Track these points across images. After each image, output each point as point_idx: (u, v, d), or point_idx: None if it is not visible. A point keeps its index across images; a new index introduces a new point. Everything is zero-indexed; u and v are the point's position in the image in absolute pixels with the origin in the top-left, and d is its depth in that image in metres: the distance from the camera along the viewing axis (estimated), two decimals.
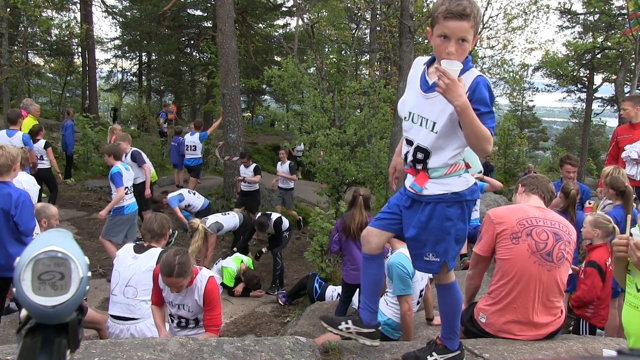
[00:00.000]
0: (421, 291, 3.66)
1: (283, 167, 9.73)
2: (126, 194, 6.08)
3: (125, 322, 3.52)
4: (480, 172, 2.35)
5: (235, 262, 6.47)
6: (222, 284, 6.27)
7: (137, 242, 3.90)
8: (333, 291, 5.72)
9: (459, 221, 2.20)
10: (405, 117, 2.22)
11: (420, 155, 2.18)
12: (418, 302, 3.70)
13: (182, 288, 3.22)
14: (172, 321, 3.45)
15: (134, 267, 3.55)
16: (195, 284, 3.23)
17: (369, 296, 2.47)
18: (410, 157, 2.21)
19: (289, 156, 11.59)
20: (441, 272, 2.28)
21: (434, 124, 2.08)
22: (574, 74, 21.56)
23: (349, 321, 2.47)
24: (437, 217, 2.18)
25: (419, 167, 2.19)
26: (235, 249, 7.35)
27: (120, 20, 23.29)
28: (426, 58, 2.24)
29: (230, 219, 7.08)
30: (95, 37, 21.10)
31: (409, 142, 2.21)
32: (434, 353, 2.36)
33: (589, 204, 4.83)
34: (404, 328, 3.45)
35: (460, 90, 1.90)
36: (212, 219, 6.83)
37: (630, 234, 1.62)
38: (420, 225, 2.21)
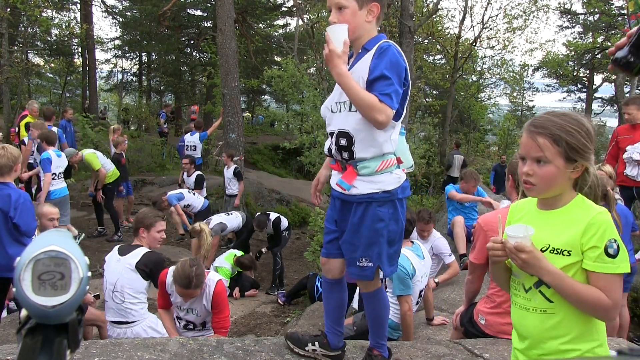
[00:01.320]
0: (421, 291, 3.66)
1: (228, 172, 8.66)
2: (54, 179, 6.21)
3: (122, 326, 3.50)
4: (412, 167, 2.18)
5: (228, 260, 6.46)
6: None
7: (122, 244, 3.82)
8: None
9: (391, 222, 2.05)
10: (326, 116, 2.13)
11: (343, 141, 2.01)
12: (417, 302, 3.70)
13: (195, 297, 3.23)
14: (179, 324, 3.45)
15: (118, 271, 3.44)
16: (204, 288, 3.24)
17: (334, 319, 2.36)
18: (333, 147, 2.06)
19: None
20: (374, 279, 2.14)
21: (351, 103, 1.95)
22: (574, 74, 21.57)
23: (316, 343, 2.39)
24: (369, 218, 2.03)
25: (345, 155, 2.02)
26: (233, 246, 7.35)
27: (120, 20, 23.30)
28: None
29: (234, 219, 7.07)
30: (95, 37, 21.10)
31: (331, 134, 2.07)
32: None
33: None
34: (404, 328, 3.45)
35: (336, 59, 1.85)
36: (215, 219, 6.82)
37: (508, 235, 1.47)
38: (352, 228, 2.07)
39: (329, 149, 2.11)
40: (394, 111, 1.89)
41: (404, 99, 2.00)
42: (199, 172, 8.47)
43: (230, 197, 8.53)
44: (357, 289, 5.36)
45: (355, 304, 5.20)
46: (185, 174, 8.50)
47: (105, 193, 7.59)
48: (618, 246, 1.40)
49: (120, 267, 3.42)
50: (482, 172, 15.15)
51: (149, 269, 3.40)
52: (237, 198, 8.36)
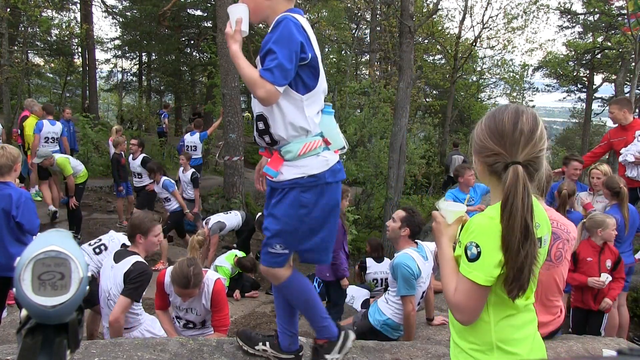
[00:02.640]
0: (423, 292, 3.65)
1: (185, 176, 8.07)
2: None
3: None
4: (343, 148, 2.09)
5: (229, 259, 6.46)
6: None
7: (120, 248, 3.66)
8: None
9: (315, 209, 1.95)
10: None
11: (261, 125, 1.96)
12: (419, 303, 3.70)
13: (194, 296, 3.22)
14: (179, 323, 3.44)
15: (111, 279, 3.34)
16: (202, 287, 3.23)
17: (286, 319, 2.26)
18: (255, 133, 2.01)
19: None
20: (284, 269, 2.07)
21: None
22: (574, 74, 21.56)
23: (267, 343, 2.30)
24: (292, 204, 1.94)
25: (267, 140, 1.97)
26: (234, 245, 7.34)
27: (120, 20, 23.28)
28: None
29: (233, 218, 7.06)
30: (95, 37, 21.09)
31: (253, 119, 2.04)
32: (326, 356, 2.17)
33: (586, 199, 4.85)
34: (407, 328, 3.44)
35: (229, 39, 1.88)
36: (214, 218, 6.81)
37: (439, 205, 1.54)
38: (275, 212, 1.98)
39: (254, 136, 2.06)
40: (278, 86, 1.80)
41: (313, 72, 1.92)
42: (194, 171, 8.34)
43: (187, 201, 7.77)
44: (352, 287, 5.38)
45: (355, 304, 5.20)
46: (181, 170, 8.43)
47: (75, 192, 7.59)
48: (479, 253, 1.33)
49: (113, 274, 3.32)
50: None
51: (130, 277, 3.20)
52: (195, 206, 7.87)
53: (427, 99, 23.12)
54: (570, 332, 4.03)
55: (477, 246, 1.33)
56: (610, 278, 3.84)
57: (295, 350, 2.29)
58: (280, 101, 1.88)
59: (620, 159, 5.13)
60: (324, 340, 2.20)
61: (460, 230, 1.48)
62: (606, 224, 3.89)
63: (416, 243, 3.62)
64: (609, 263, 3.90)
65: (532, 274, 1.33)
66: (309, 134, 1.94)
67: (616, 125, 5.39)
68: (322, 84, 1.99)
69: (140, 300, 3.37)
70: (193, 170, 8.11)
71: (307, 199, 1.94)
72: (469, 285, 1.34)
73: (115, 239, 4.28)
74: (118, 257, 3.37)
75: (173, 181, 7.49)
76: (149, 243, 3.43)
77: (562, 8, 20.27)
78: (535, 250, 1.33)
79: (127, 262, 3.24)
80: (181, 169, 8.28)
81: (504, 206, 1.31)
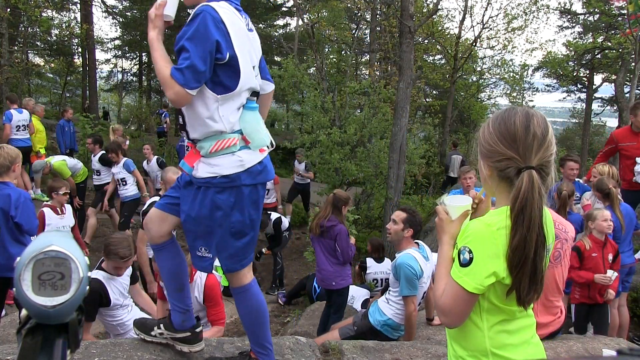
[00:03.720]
0: (424, 292, 3.65)
1: (151, 166, 8.23)
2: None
3: None
4: (271, 146, 1.97)
5: None
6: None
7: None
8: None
9: (233, 211, 1.83)
10: None
11: (180, 119, 1.87)
12: (419, 303, 3.70)
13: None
14: None
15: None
16: (195, 280, 3.22)
17: (173, 293, 2.09)
18: (180, 127, 1.92)
19: None
20: (243, 272, 1.96)
21: None
22: (574, 74, 21.56)
23: (161, 325, 2.18)
24: (206, 204, 1.82)
25: (185, 135, 1.88)
26: None
27: (120, 20, 23.30)
28: None
29: None
30: (95, 37, 21.09)
31: None
32: None
33: (587, 200, 4.84)
34: (408, 328, 3.44)
35: (149, 24, 1.81)
36: None
37: (443, 200, 1.50)
38: (190, 212, 1.87)
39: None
40: (189, 89, 1.68)
41: (232, 72, 1.80)
42: (158, 156, 8.34)
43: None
44: (352, 287, 5.38)
45: (355, 304, 5.20)
46: (145, 162, 8.24)
47: (77, 191, 7.58)
48: (471, 259, 1.29)
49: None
50: None
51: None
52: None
53: (427, 99, 23.12)
54: (571, 331, 4.04)
55: (470, 252, 1.30)
56: (616, 274, 3.86)
57: (190, 327, 2.13)
58: (193, 100, 1.76)
59: (636, 168, 5.00)
60: (257, 358, 2.07)
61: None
62: (593, 216, 3.93)
63: (417, 243, 3.62)
64: (610, 257, 3.95)
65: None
66: (223, 133, 1.82)
67: (619, 127, 5.32)
68: (246, 84, 1.86)
69: (129, 302, 3.37)
70: (157, 156, 8.25)
71: (222, 201, 1.82)
72: (457, 289, 1.31)
73: None
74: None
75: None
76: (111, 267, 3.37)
77: (562, 8, 20.28)
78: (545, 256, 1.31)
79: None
80: (145, 161, 8.20)
81: (519, 213, 1.25)
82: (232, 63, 1.79)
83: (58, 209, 5.12)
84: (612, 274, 3.83)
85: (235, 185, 1.82)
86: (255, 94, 1.97)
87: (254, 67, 1.91)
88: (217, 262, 5.93)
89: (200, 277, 3.24)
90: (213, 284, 3.26)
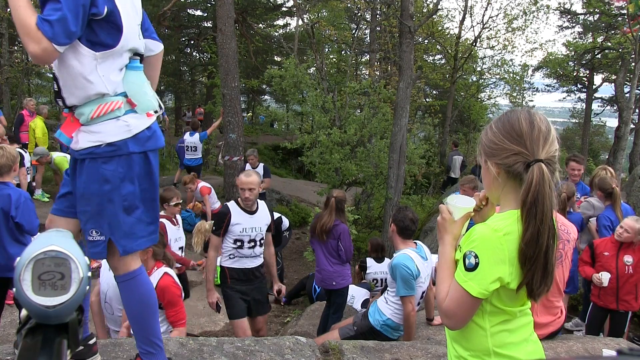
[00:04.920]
0: (423, 293, 3.65)
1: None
2: None
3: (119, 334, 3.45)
4: (160, 109, 1.82)
5: None
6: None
7: None
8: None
9: (124, 183, 1.67)
10: None
11: (55, 86, 1.69)
12: (418, 304, 3.70)
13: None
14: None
15: (107, 281, 3.25)
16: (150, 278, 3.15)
17: None
18: (54, 95, 1.73)
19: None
20: (114, 257, 1.73)
21: None
22: (574, 74, 21.55)
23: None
24: (92, 179, 1.65)
25: (61, 103, 1.69)
26: None
27: None
28: None
29: None
30: None
31: None
32: None
33: (584, 199, 4.84)
34: (407, 328, 3.44)
35: None
36: None
37: (447, 200, 1.48)
38: (79, 193, 1.69)
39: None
40: (57, 45, 1.51)
41: (113, 29, 1.65)
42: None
43: None
44: (352, 287, 5.38)
45: (355, 304, 5.20)
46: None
47: None
48: (477, 264, 1.29)
49: (110, 277, 3.16)
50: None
51: None
52: None
53: (427, 99, 23.11)
54: (567, 327, 4.03)
55: (476, 257, 1.29)
56: (608, 276, 3.84)
57: (83, 340, 1.88)
58: (67, 59, 1.60)
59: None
60: None
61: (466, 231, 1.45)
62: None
63: (415, 243, 3.62)
64: (628, 259, 3.87)
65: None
66: (105, 95, 1.67)
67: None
68: (129, 42, 1.70)
69: None
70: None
71: (109, 172, 1.64)
72: (461, 293, 1.31)
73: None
74: None
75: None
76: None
77: (562, 8, 20.28)
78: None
79: None
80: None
81: (531, 206, 1.25)
82: (112, 19, 1.64)
83: (173, 219, 4.78)
84: (604, 277, 3.82)
85: (123, 153, 1.66)
86: (139, 55, 1.83)
87: (138, 25, 1.79)
88: (218, 262, 5.84)
89: (155, 278, 3.07)
90: (167, 284, 3.06)
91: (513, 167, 1.31)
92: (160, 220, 4.42)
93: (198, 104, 20.11)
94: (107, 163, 1.64)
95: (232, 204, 3.91)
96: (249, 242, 3.86)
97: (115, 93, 1.68)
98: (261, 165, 8.23)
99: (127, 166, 1.67)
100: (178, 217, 4.94)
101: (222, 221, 3.80)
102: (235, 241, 3.82)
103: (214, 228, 3.88)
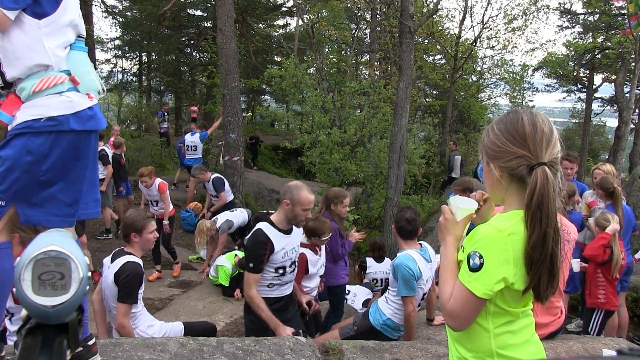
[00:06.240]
0: (424, 294, 3.64)
1: None
2: None
3: None
4: (102, 91, 1.81)
5: (229, 259, 6.46)
6: (220, 284, 6.26)
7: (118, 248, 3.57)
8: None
9: (46, 160, 1.61)
10: None
11: None
12: (419, 305, 3.69)
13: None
14: None
15: (105, 279, 3.27)
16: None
17: None
18: None
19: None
20: None
21: None
22: (574, 74, 21.56)
23: None
24: (16, 146, 1.59)
25: (0, 82, 1.67)
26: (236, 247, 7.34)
27: (120, 20, 23.28)
28: None
29: (239, 215, 7.06)
30: (95, 37, 21.09)
31: None
32: None
33: (590, 197, 4.85)
34: (407, 329, 3.44)
35: None
36: (221, 217, 6.81)
37: (449, 201, 1.48)
38: None
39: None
40: (5, 10, 1.51)
41: None
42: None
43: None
44: (355, 286, 5.38)
45: (356, 303, 5.20)
46: None
47: None
48: (481, 264, 1.28)
49: (107, 275, 3.25)
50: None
51: (120, 280, 3.12)
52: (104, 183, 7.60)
53: (427, 99, 23.13)
54: (568, 329, 4.05)
55: (480, 257, 1.28)
56: (577, 262, 4.12)
57: (82, 340, 1.81)
58: (11, 30, 1.57)
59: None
60: None
61: (466, 233, 1.45)
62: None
63: (420, 245, 3.60)
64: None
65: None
66: (49, 68, 1.63)
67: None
68: (68, 14, 1.69)
69: (139, 301, 3.34)
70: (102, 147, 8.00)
71: (35, 146, 1.59)
72: (465, 294, 1.31)
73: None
74: (113, 257, 3.33)
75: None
76: (145, 240, 3.43)
77: (562, 8, 20.28)
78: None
79: (118, 263, 3.19)
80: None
81: (536, 210, 1.25)
82: None
83: (317, 249, 4.11)
84: (574, 264, 4.02)
85: (61, 130, 1.62)
86: (82, 38, 1.82)
87: (77, 6, 1.78)
88: (219, 262, 5.82)
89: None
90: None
91: (516, 170, 1.31)
92: (303, 251, 3.75)
93: (192, 103, 20.08)
94: (35, 136, 1.59)
95: (267, 228, 3.08)
96: (291, 265, 3.18)
97: (59, 69, 1.66)
98: (212, 176, 7.53)
99: (55, 143, 1.62)
100: (322, 247, 4.13)
101: (261, 254, 2.98)
102: (277, 269, 3.09)
103: (250, 265, 2.98)
